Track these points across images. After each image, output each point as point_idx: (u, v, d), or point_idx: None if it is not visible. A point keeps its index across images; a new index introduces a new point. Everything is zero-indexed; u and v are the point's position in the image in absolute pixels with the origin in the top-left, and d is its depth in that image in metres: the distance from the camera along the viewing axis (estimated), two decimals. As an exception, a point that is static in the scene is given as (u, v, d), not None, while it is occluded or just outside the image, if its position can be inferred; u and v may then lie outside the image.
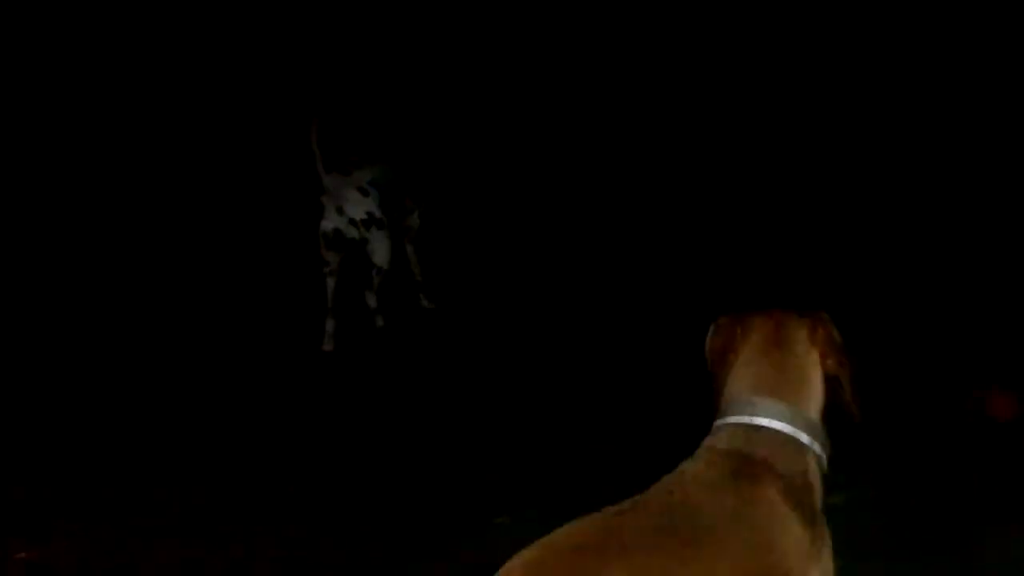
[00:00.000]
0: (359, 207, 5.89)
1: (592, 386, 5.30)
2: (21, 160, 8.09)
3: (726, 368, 2.49)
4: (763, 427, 2.40)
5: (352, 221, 5.87)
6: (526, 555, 2.24)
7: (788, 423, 2.40)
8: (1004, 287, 6.03)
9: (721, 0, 9.13)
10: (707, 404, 2.53)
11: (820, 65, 8.78)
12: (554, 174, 8.27)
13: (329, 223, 5.91)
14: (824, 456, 2.43)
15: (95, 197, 7.92)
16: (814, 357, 2.47)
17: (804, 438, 2.40)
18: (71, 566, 3.91)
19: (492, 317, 6.36)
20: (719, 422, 2.46)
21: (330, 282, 5.95)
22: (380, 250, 5.89)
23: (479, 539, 3.87)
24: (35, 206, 7.73)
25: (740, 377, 2.47)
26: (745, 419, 2.41)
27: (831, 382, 2.49)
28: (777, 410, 2.40)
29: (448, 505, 4.24)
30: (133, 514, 4.21)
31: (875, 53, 8.79)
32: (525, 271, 7.03)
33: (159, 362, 5.78)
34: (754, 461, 2.36)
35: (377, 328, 5.99)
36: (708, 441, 2.45)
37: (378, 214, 5.87)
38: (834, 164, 8.09)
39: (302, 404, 5.31)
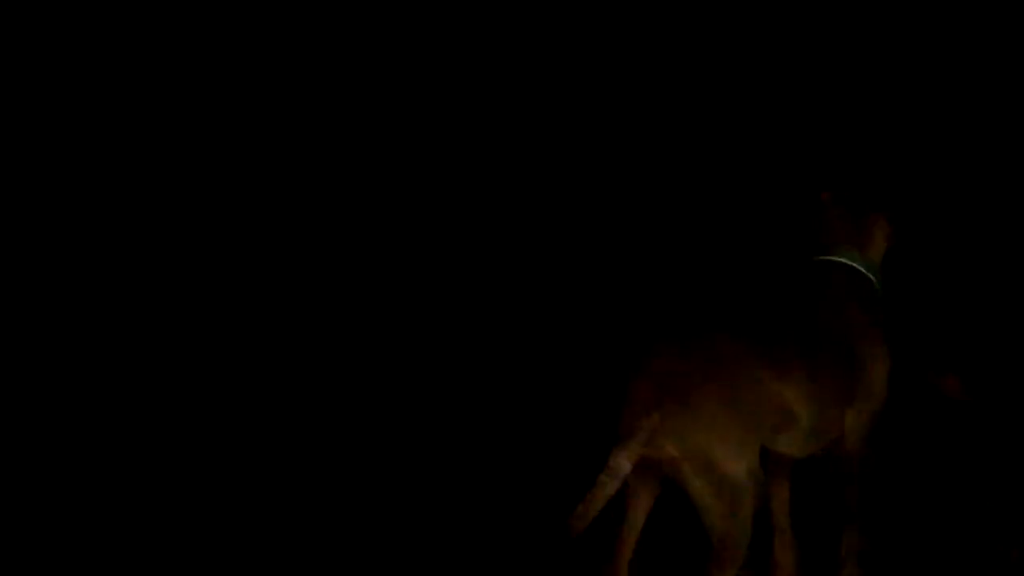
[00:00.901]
0: None
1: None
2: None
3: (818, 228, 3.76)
4: (841, 263, 3.66)
5: None
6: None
7: (856, 262, 3.66)
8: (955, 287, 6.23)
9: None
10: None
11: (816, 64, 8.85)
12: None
13: None
14: (879, 287, 3.71)
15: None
16: (877, 222, 3.75)
17: (867, 272, 3.68)
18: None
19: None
20: (814, 259, 3.68)
21: None
22: None
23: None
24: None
25: (827, 233, 3.73)
26: (832, 257, 3.67)
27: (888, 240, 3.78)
28: (849, 253, 3.67)
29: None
30: (127, 514, 4.36)
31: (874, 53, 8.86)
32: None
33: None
34: (835, 282, 3.61)
35: None
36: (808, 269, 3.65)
37: None
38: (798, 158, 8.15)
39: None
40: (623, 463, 3.23)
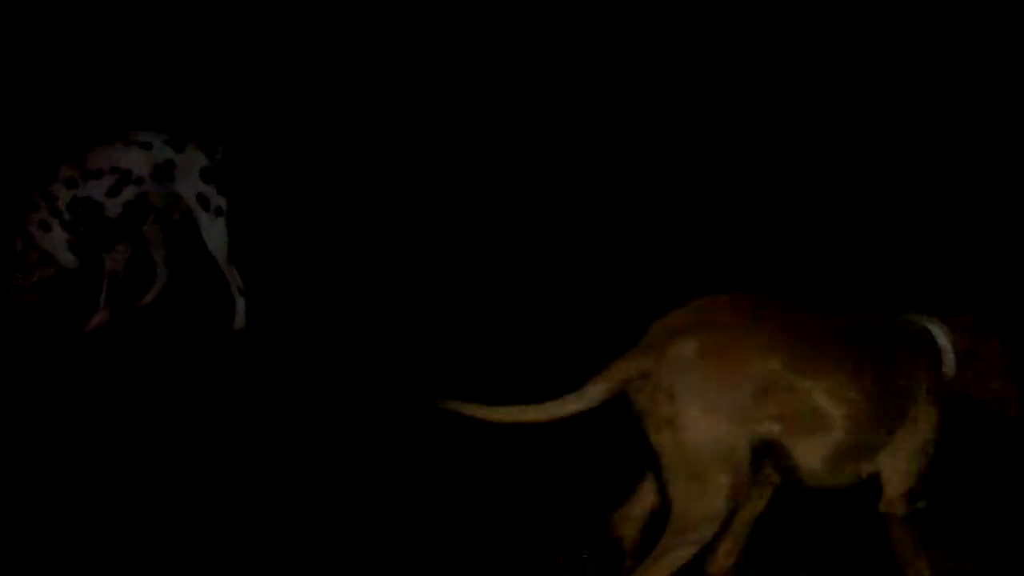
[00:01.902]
0: None
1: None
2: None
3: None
4: (926, 327, 3.57)
5: None
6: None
7: (940, 336, 3.56)
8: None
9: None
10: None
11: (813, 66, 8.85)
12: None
13: None
14: (952, 374, 3.56)
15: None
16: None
17: (944, 342, 3.56)
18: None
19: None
20: (901, 318, 3.61)
21: None
22: None
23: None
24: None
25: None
26: (921, 320, 3.59)
27: None
28: (934, 324, 3.58)
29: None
30: (125, 511, 4.32)
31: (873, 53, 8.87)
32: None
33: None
34: (913, 344, 3.54)
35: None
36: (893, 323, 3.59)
37: None
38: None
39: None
40: (592, 391, 3.27)
